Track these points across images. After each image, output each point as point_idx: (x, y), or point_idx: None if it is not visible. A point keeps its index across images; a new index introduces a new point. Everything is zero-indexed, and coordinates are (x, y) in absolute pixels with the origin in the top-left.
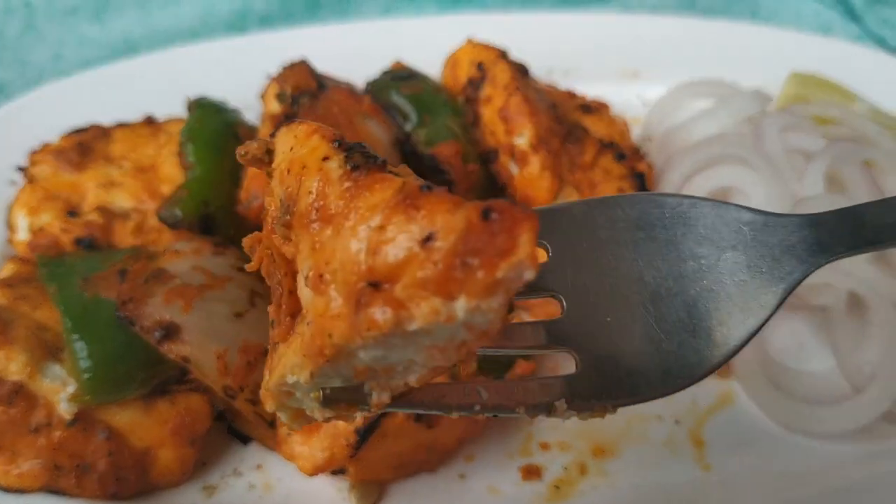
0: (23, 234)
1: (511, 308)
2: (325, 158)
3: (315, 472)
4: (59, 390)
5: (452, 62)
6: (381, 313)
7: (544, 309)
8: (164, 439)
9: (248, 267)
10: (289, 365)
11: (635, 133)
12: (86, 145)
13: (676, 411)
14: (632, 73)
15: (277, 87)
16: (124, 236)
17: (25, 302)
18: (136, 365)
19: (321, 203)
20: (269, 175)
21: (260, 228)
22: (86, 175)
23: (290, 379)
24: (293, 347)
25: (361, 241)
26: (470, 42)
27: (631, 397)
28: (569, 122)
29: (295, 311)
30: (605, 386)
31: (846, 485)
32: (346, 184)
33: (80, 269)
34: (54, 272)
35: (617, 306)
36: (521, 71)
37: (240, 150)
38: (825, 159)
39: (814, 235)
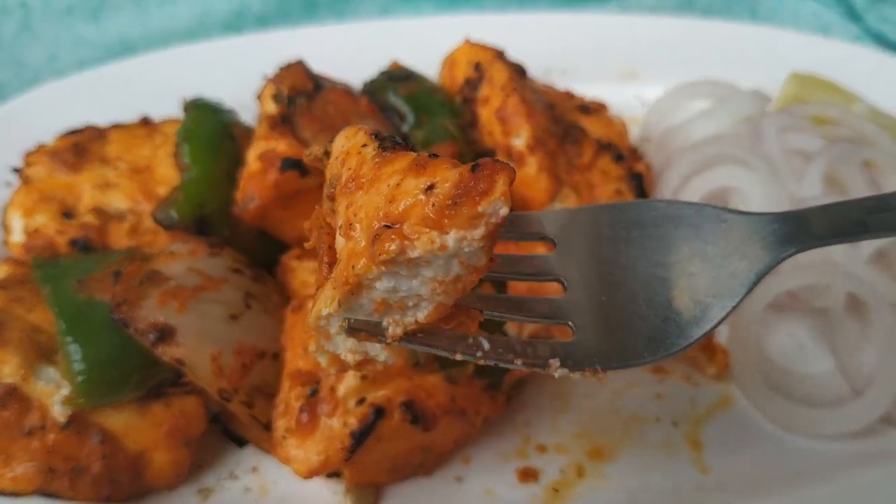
0: (18, 236)
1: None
2: (364, 145)
3: (310, 475)
4: (54, 393)
5: (450, 62)
6: (390, 244)
7: None
8: (158, 442)
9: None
10: (323, 299)
11: (633, 134)
12: (81, 146)
13: (674, 413)
14: (630, 74)
15: (274, 87)
16: (119, 238)
17: (20, 304)
18: (131, 367)
19: (356, 174)
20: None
21: (257, 229)
22: (81, 176)
23: (324, 311)
24: (327, 285)
25: (382, 195)
26: (467, 42)
27: (619, 363)
28: (566, 122)
29: (333, 261)
30: (597, 353)
31: (845, 487)
32: (377, 160)
33: (75, 270)
34: (49, 274)
35: (612, 289)
36: (518, 71)
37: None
38: (824, 160)
39: (784, 229)
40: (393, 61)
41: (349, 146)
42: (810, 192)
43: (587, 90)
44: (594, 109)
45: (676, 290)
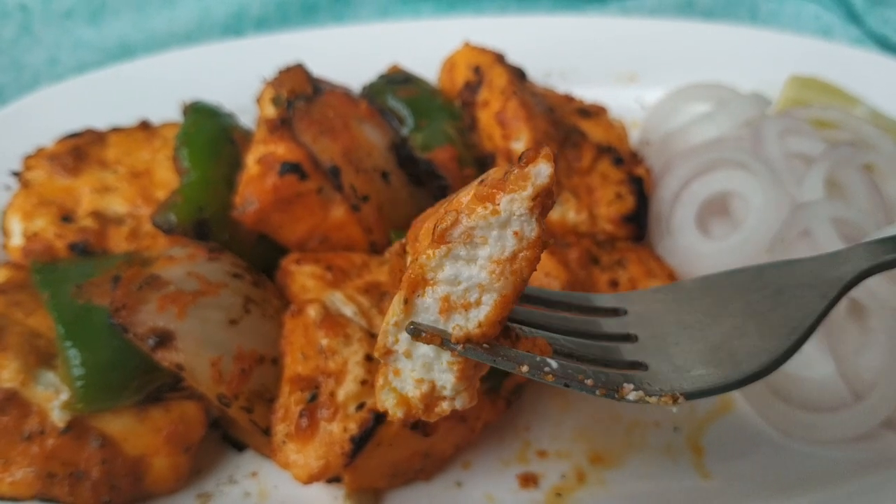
0: (17, 240)
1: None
2: None
3: (310, 480)
4: (53, 398)
5: (449, 66)
6: (446, 217)
7: None
8: (158, 447)
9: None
10: (390, 311)
11: (634, 137)
12: (81, 150)
13: (675, 418)
14: (630, 77)
15: (273, 90)
16: (119, 242)
17: (19, 308)
18: (130, 372)
19: (422, 223)
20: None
21: (257, 233)
22: (80, 180)
23: (392, 320)
24: (396, 297)
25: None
26: (467, 45)
27: (699, 391)
28: (566, 126)
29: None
30: (672, 381)
31: (846, 492)
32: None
33: (74, 275)
34: (47, 278)
35: (685, 340)
36: (518, 74)
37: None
38: (825, 163)
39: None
40: (392, 64)
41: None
42: (811, 195)
43: (587, 93)
44: (594, 113)
45: (747, 330)
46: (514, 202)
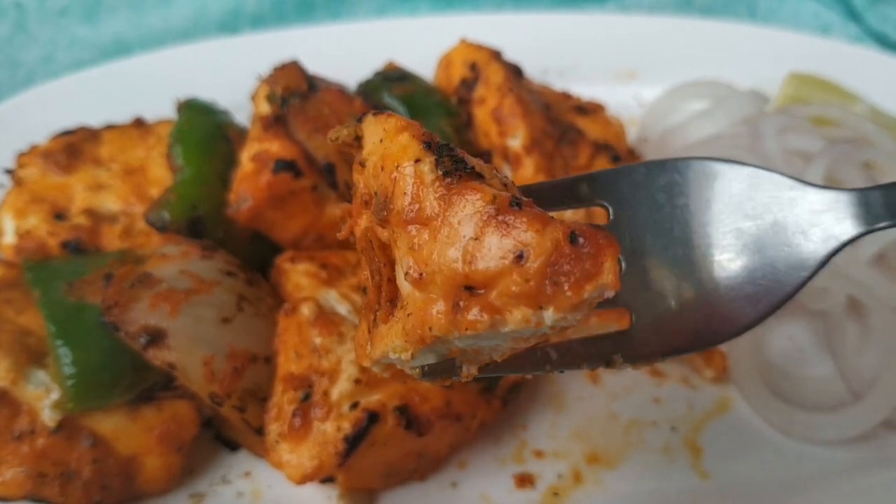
0: (9, 238)
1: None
2: (417, 160)
3: (303, 480)
4: (43, 397)
5: (445, 63)
6: (478, 316)
7: None
8: (150, 446)
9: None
10: (391, 345)
11: (631, 134)
12: (74, 147)
13: (673, 417)
14: (628, 74)
15: (267, 88)
16: (112, 239)
17: (10, 306)
18: (122, 371)
19: (416, 206)
20: (362, 164)
21: (251, 231)
22: (74, 177)
23: (392, 356)
24: (394, 330)
25: (458, 249)
26: (463, 42)
27: (678, 350)
28: (563, 123)
29: (394, 296)
30: (656, 339)
31: (845, 492)
32: (440, 190)
33: (66, 273)
34: (39, 276)
35: (669, 266)
36: (514, 71)
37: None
38: (824, 161)
39: (856, 207)
40: (388, 61)
41: (396, 153)
42: None
43: (585, 90)
44: (591, 110)
45: (738, 271)
46: (563, 321)
